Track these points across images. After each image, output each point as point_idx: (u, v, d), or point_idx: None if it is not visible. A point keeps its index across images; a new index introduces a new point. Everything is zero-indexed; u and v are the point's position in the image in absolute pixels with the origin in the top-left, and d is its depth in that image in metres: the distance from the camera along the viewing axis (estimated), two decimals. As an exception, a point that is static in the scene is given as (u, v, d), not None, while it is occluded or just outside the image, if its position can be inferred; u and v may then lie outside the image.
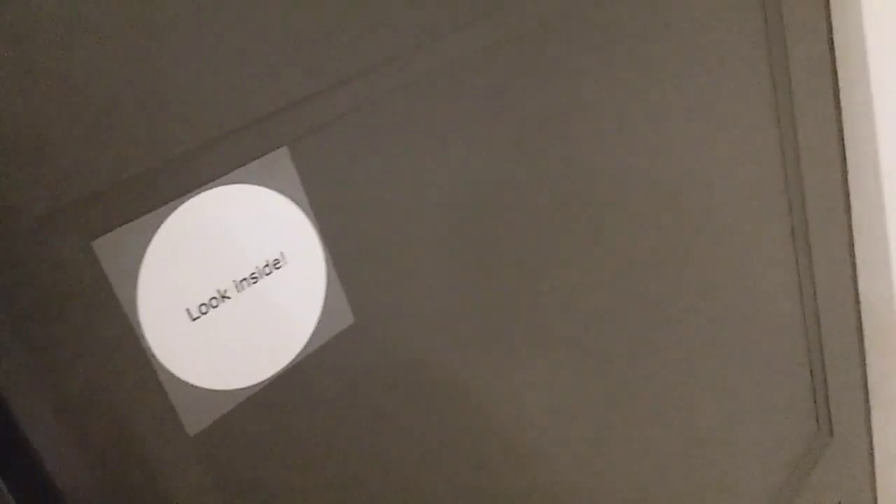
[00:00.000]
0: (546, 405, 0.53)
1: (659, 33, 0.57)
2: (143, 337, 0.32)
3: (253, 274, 0.36)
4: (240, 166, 0.35)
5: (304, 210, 0.37)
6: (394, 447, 0.43)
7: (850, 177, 0.83)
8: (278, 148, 0.36)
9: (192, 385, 0.34)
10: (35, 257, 0.29)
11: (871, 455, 0.99)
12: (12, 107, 0.27)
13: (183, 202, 0.33)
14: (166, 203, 0.32)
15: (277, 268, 0.37)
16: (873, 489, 1.01)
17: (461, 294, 0.46)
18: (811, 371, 0.84)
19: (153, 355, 0.33)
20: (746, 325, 0.73)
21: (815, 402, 0.86)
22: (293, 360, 0.38)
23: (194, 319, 0.34)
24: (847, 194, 0.84)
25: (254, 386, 0.36)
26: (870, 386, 0.94)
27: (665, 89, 0.59)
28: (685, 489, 0.69)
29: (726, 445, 0.74)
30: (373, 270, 0.41)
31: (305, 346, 0.38)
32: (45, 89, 0.28)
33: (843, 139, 0.81)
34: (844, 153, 0.82)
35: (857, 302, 0.89)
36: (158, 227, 0.32)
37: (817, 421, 0.88)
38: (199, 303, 0.34)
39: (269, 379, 0.37)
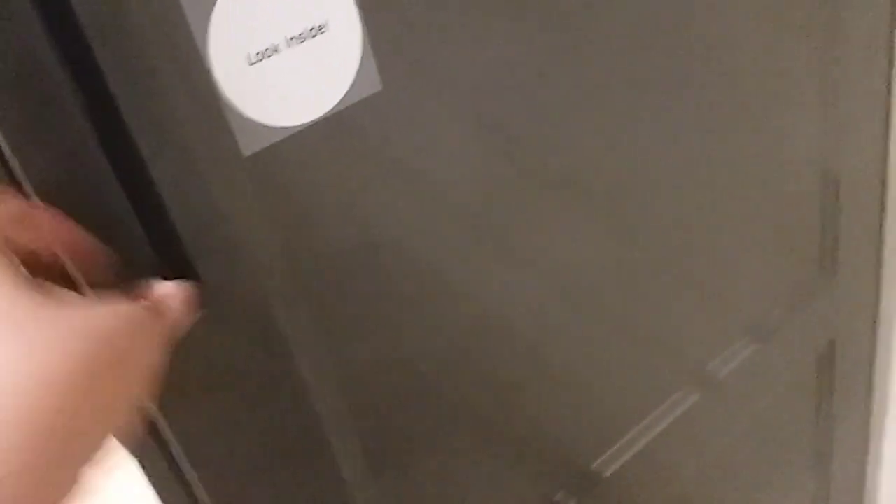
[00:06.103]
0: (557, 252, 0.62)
1: None
2: (210, 71, 0.42)
3: (301, 34, 0.44)
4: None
5: (345, -14, 0.45)
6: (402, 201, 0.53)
7: None
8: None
9: (246, 116, 0.44)
10: None
11: (877, 299, 1.05)
12: None
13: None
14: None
15: (322, 32, 0.45)
16: (873, 332, 1.08)
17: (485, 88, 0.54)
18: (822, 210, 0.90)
19: (218, 86, 0.42)
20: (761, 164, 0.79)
21: (822, 240, 0.92)
22: (328, 112, 0.47)
23: (252, 64, 0.43)
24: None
25: (295, 127, 0.46)
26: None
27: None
28: (675, 319, 0.78)
29: (722, 276, 0.82)
30: (403, 46, 0.49)
31: (340, 101, 0.47)
32: None
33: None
34: None
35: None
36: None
37: (821, 262, 0.94)
38: (257, 51, 0.43)
39: (307, 124, 0.46)
